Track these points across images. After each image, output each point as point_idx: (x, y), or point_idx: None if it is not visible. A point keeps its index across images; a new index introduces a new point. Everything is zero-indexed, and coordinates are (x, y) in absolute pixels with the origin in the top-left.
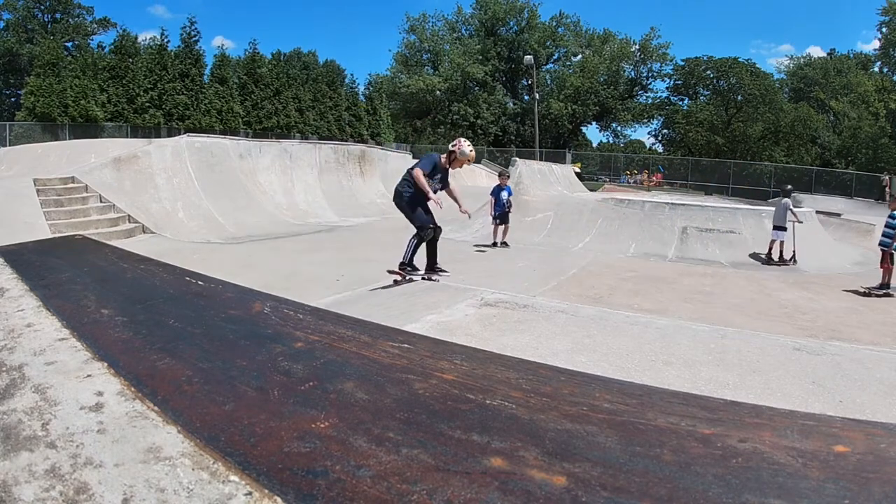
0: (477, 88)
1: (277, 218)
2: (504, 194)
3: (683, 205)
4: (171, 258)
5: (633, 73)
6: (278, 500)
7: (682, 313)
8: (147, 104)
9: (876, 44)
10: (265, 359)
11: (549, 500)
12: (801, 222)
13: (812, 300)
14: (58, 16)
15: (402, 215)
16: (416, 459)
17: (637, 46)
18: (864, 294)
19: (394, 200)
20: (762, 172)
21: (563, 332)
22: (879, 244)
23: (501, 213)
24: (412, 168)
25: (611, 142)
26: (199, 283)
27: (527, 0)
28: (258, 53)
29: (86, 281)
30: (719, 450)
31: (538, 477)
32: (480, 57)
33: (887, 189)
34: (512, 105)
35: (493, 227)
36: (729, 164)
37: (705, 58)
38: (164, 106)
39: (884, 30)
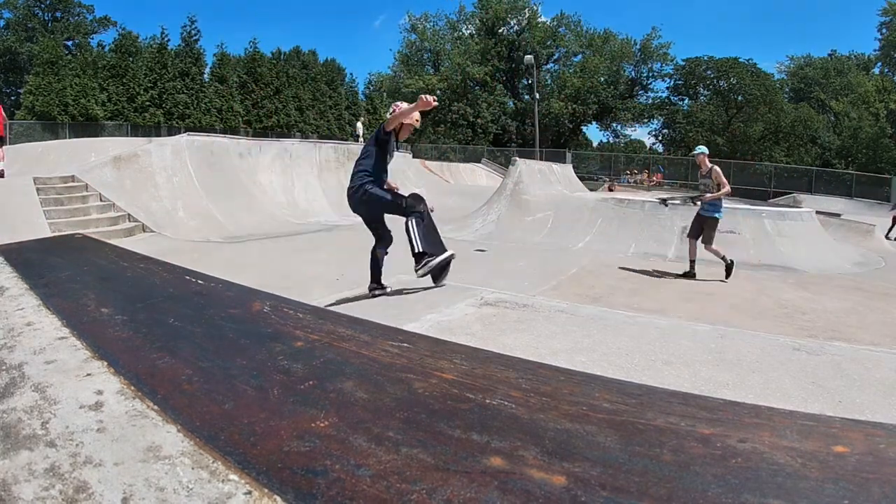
0: (477, 88)
1: (277, 217)
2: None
3: (684, 205)
4: (170, 257)
5: (633, 72)
6: (278, 499)
7: (682, 313)
8: (147, 103)
9: (876, 45)
10: (265, 358)
11: (549, 499)
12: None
13: (812, 300)
14: (58, 14)
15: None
16: (416, 459)
17: (638, 46)
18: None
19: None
20: (762, 172)
21: (562, 331)
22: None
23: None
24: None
25: (611, 141)
26: (199, 281)
27: None
28: (258, 52)
29: (86, 280)
30: (719, 450)
31: (538, 476)
32: (480, 56)
33: None
34: (512, 104)
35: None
36: (729, 164)
37: (705, 58)
38: (164, 105)
39: (884, 30)
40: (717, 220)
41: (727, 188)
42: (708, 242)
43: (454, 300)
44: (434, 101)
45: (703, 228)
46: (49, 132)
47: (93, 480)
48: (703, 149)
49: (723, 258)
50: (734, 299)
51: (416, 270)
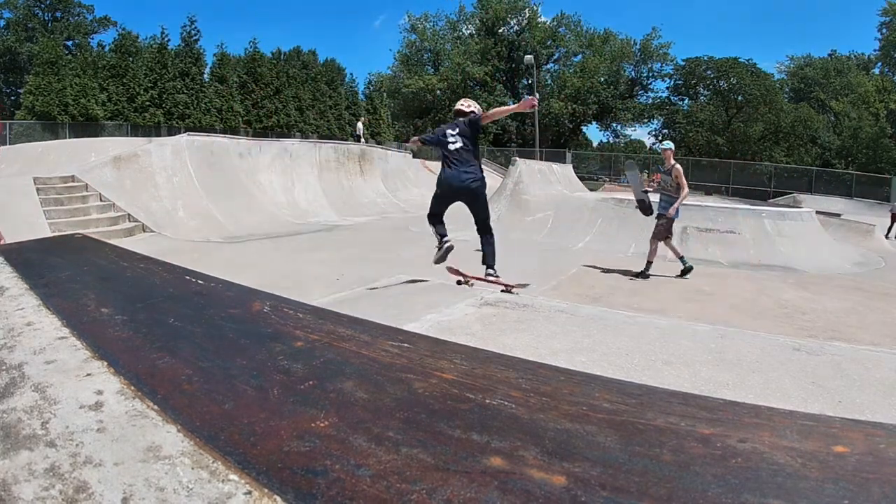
0: (477, 88)
1: (277, 217)
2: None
3: (683, 205)
4: (170, 257)
5: (633, 72)
6: (278, 499)
7: (682, 313)
8: (147, 103)
9: (876, 45)
10: (265, 358)
11: (549, 499)
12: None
13: (812, 300)
14: (58, 14)
15: (401, 215)
16: (416, 459)
17: (638, 46)
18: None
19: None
20: (762, 172)
21: (562, 331)
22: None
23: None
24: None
25: (611, 141)
26: (199, 281)
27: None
28: (258, 52)
29: (86, 280)
30: (719, 450)
31: (537, 476)
32: (480, 56)
33: None
34: (512, 104)
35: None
36: (729, 164)
37: (706, 58)
38: (164, 105)
39: (884, 30)
40: (671, 219)
41: (686, 190)
42: (654, 237)
43: (454, 300)
44: (535, 103)
45: (658, 223)
46: (49, 132)
47: (93, 480)
48: (669, 144)
49: (649, 263)
50: (734, 299)
51: (490, 274)
